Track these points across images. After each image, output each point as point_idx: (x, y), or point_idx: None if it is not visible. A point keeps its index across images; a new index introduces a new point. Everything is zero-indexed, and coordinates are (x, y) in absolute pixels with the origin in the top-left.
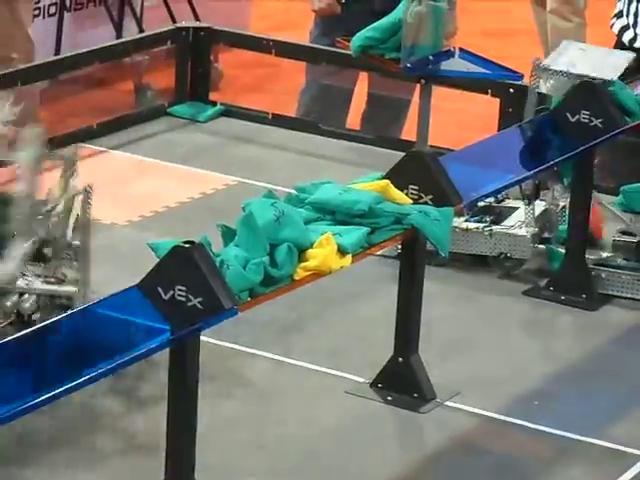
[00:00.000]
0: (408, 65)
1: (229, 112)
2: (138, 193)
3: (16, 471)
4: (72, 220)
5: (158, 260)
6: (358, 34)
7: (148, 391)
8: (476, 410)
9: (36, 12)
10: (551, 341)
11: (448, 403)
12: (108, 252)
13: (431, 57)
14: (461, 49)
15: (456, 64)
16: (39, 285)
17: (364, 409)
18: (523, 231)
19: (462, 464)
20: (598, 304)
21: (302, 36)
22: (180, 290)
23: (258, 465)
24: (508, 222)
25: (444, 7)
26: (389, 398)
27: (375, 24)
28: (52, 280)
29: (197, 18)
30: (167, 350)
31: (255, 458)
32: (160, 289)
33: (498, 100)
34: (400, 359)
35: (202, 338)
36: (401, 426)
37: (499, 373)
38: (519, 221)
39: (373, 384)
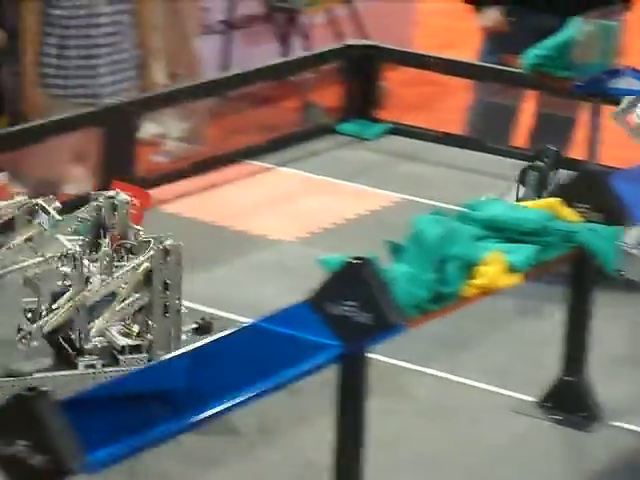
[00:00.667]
0: (579, 83)
1: (396, 130)
2: (305, 209)
3: None
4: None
5: (327, 275)
6: (529, 52)
7: (313, 406)
8: None
9: (203, 29)
10: None
11: (616, 423)
12: (275, 268)
13: (602, 75)
14: (633, 68)
15: (627, 82)
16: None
17: (530, 428)
18: None
19: None
20: None
21: (465, 54)
22: (349, 306)
23: None
24: None
25: (615, 25)
26: (556, 417)
27: (546, 42)
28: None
29: (364, 36)
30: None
31: (419, 475)
32: (329, 304)
33: None
34: (567, 378)
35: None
36: (568, 445)
37: None
38: None
39: (540, 403)
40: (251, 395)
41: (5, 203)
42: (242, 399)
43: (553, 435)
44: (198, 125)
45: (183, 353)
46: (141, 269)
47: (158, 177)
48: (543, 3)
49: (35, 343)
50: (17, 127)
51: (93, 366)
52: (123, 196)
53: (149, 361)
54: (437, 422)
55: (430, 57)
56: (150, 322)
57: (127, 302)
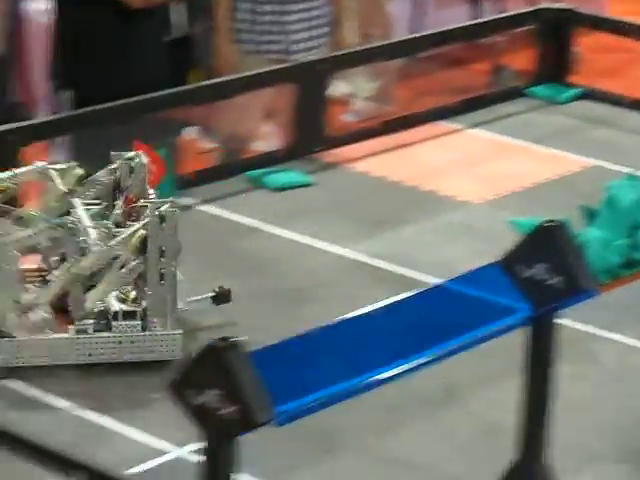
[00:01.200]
0: None
1: (588, 95)
2: (494, 172)
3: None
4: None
5: (519, 237)
6: None
7: (500, 368)
8: None
9: None
10: None
11: None
12: (463, 229)
13: None
14: None
15: None
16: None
17: None
18: None
19: None
20: None
21: None
22: (541, 269)
23: (613, 446)
24: None
25: None
26: None
27: None
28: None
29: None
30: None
31: (610, 439)
32: (520, 267)
33: None
34: None
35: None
36: None
37: None
38: None
39: None
40: (438, 355)
41: (24, 169)
42: (429, 359)
43: None
44: (387, 85)
45: (370, 311)
46: (137, 236)
47: (347, 136)
48: None
49: (39, 312)
50: (209, 82)
51: (85, 331)
52: (142, 158)
53: (143, 329)
54: (625, 388)
55: (625, 23)
56: (145, 289)
57: (125, 269)
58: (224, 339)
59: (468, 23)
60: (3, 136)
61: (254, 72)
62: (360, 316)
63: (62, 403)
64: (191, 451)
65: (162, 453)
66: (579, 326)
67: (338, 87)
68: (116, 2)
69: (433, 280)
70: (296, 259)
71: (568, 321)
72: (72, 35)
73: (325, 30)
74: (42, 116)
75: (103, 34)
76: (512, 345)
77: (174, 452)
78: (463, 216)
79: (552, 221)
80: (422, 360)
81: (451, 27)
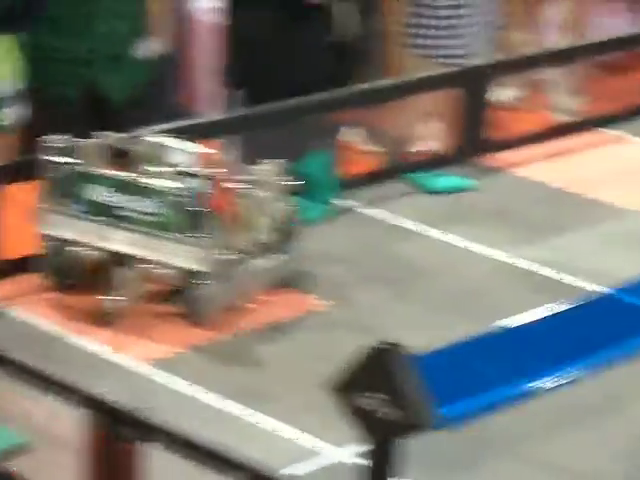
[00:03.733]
0: None
1: None
2: None
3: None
4: None
5: None
6: None
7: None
8: None
9: None
10: None
11: None
12: (625, 238)
13: None
14: None
15: None
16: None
17: None
18: None
19: None
20: None
21: None
22: None
23: None
24: None
25: None
26: None
27: None
28: None
29: None
30: None
31: None
32: None
33: None
34: None
35: None
36: None
37: None
38: None
39: None
40: (602, 365)
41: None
42: (593, 368)
43: None
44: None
45: (537, 319)
46: None
47: (509, 141)
48: None
49: None
50: (375, 84)
51: None
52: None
53: None
54: None
55: None
56: None
57: None
58: (389, 343)
59: (631, 32)
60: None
61: (418, 76)
62: (524, 324)
63: (212, 398)
64: (349, 454)
65: (319, 455)
66: None
67: (505, 93)
68: (285, 2)
69: (593, 288)
70: (456, 264)
71: None
72: (243, 35)
73: (492, 35)
74: (205, 115)
75: (272, 34)
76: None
77: (332, 454)
78: (625, 224)
79: None
80: (586, 369)
81: (614, 35)
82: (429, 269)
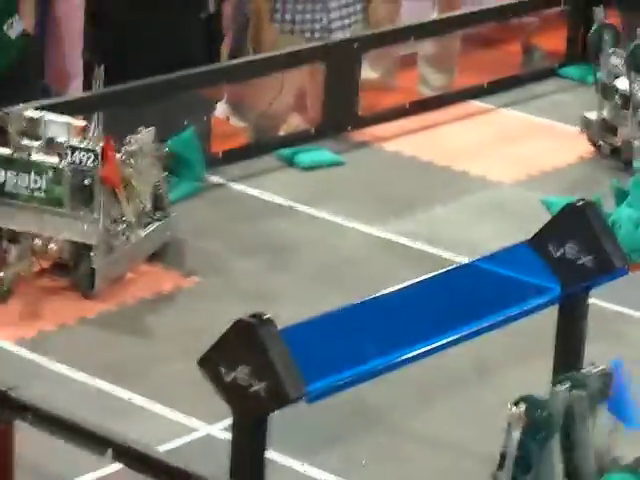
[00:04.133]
0: None
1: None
2: (525, 152)
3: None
4: None
5: (550, 217)
6: None
7: (527, 347)
8: None
9: None
10: None
11: None
12: (494, 209)
13: None
14: None
15: None
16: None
17: None
18: None
19: None
20: None
21: None
22: (571, 248)
23: None
24: None
25: None
26: None
27: None
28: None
29: None
30: None
31: None
32: (551, 246)
33: None
34: None
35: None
36: None
37: None
38: None
39: None
40: (468, 333)
41: None
42: (459, 336)
43: None
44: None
45: (400, 289)
46: None
47: (379, 115)
48: None
49: None
50: (243, 59)
51: None
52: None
53: None
54: None
55: None
56: None
57: None
58: (254, 315)
59: (499, 3)
60: None
61: (286, 50)
62: (390, 294)
63: (84, 376)
64: (222, 428)
65: (192, 430)
66: (609, 305)
67: (373, 67)
68: None
69: (463, 260)
70: (325, 238)
71: (598, 300)
72: (105, 10)
73: (358, 8)
74: (72, 93)
75: (137, 10)
76: (543, 324)
77: (204, 429)
78: (494, 196)
79: (582, 200)
80: (452, 338)
81: (483, 7)
82: (299, 243)
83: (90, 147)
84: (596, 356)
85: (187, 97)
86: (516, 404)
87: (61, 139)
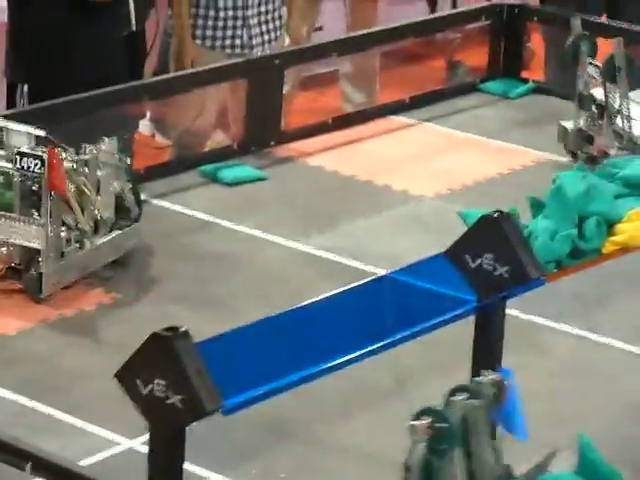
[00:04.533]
0: None
1: (540, 89)
2: (446, 166)
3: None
4: None
5: (466, 229)
6: None
7: (445, 358)
8: None
9: None
10: None
11: None
12: (415, 223)
13: None
14: None
15: None
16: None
17: None
18: None
19: None
20: None
21: None
22: (487, 259)
23: (558, 437)
24: None
25: None
26: None
27: None
28: None
29: None
30: None
31: (555, 430)
32: (467, 257)
33: None
34: None
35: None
36: None
37: None
38: None
39: None
40: (385, 344)
41: None
42: (375, 347)
43: None
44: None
45: (317, 301)
46: None
47: (301, 130)
48: None
49: None
50: (166, 76)
51: None
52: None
53: None
54: (572, 380)
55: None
56: None
57: None
58: (170, 328)
59: (422, 18)
60: None
61: (209, 67)
62: (308, 305)
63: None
64: (143, 442)
65: (113, 444)
66: (526, 316)
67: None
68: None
69: (382, 272)
70: (248, 253)
71: (515, 311)
72: (27, 29)
73: (278, 25)
74: None
75: (59, 28)
76: (460, 335)
77: (126, 443)
78: (415, 210)
79: (498, 212)
80: (370, 348)
81: (405, 22)
82: (222, 258)
83: (37, 153)
84: (513, 366)
85: (110, 114)
86: (417, 417)
87: (12, 146)
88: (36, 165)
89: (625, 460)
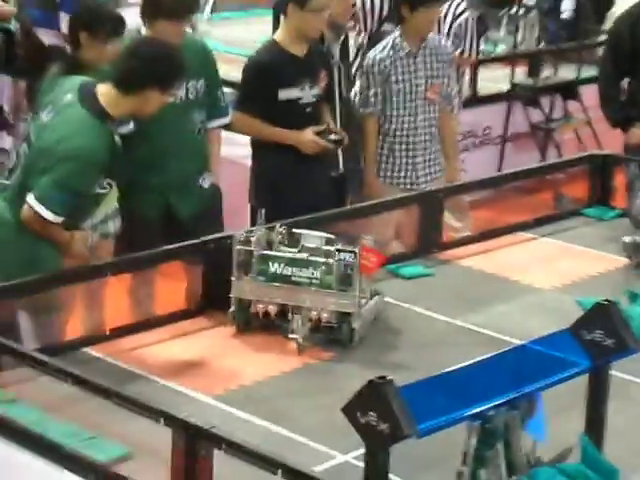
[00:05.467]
0: None
1: (625, 214)
2: (560, 268)
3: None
4: None
5: (584, 312)
6: None
7: (565, 404)
8: None
9: (487, 141)
10: None
11: None
12: (539, 307)
13: None
14: None
15: None
16: None
17: None
18: None
19: None
20: None
21: None
22: (598, 333)
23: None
24: None
25: None
26: None
27: None
28: None
29: (601, 147)
30: None
31: None
32: (584, 332)
33: None
34: None
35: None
36: None
37: None
38: None
39: None
40: (525, 393)
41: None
42: (517, 395)
43: None
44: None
45: (476, 362)
46: None
47: (456, 241)
48: None
49: None
50: (363, 204)
51: None
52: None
53: None
54: None
55: None
56: None
57: None
58: (381, 377)
59: (538, 165)
60: None
61: (389, 198)
62: (470, 365)
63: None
64: (354, 457)
65: (330, 458)
66: (624, 375)
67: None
68: (296, 150)
69: (516, 342)
70: (421, 325)
71: (618, 373)
72: (265, 169)
73: (440, 167)
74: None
75: (286, 169)
76: (576, 388)
77: (340, 458)
78: (538, 298)
79: (607, 300)
80: (513, 396)
81: (526, 167)
82: (405, 329)
83: (351, 249)
84: (613, 410)
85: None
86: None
87: (313, 246)
88: (350, 257)
89: None
